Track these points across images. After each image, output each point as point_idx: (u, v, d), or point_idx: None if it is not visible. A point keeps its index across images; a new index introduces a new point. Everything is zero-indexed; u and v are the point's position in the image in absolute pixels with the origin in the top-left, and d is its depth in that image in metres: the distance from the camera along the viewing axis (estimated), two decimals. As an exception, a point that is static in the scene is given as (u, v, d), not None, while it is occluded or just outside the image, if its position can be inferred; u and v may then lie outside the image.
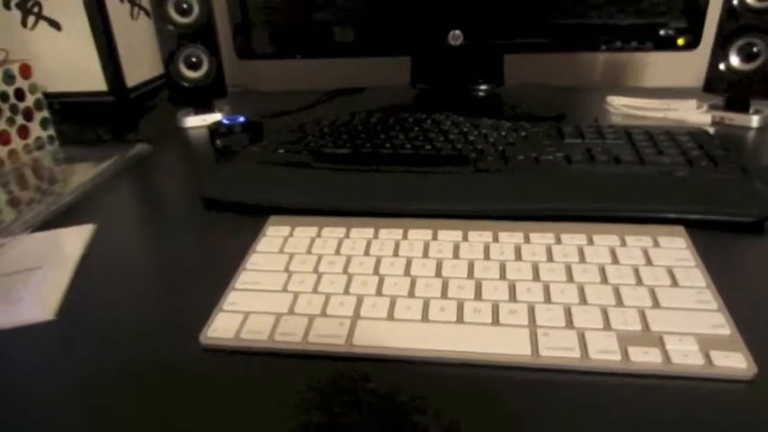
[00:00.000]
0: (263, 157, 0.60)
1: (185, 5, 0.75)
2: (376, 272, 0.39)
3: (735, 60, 0.68)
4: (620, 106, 0.72)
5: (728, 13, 0.66)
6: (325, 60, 0.90)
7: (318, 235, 0.44)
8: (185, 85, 0.77)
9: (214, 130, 0.67)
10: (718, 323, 0.34)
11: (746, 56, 0.67)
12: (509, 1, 0.71)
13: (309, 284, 0.38)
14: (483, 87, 0.81)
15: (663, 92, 0.79)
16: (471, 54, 0.76)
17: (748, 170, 0.52)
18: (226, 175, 0.57)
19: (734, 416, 0.29)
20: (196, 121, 0.78)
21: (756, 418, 0.29)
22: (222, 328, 0.35)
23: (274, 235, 0.44)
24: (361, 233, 0.44)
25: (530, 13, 0.71)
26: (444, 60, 0.79)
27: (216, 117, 0.77)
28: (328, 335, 0.34)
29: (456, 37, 0.73)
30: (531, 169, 0.54)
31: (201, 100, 0.79)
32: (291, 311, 0.36)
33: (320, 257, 0.41)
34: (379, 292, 0.37)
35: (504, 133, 0.61)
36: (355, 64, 0.89)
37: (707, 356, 0.31)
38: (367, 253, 0.41)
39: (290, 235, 0.44)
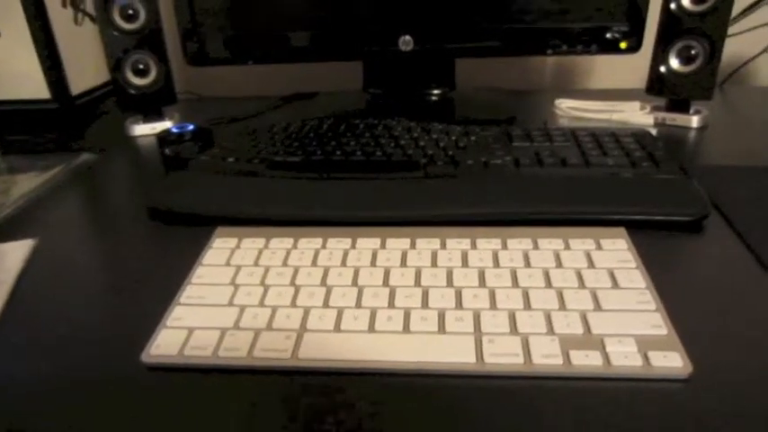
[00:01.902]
0: (212, 165, 0.59)
1: (131, 11, 0.73)
2: (323, 283, 0.39)
3: (674, 63, 0.70)
4: (568, 109, 0.74)
5: (667, 16, 0.68)
6: (280, 65, 0.89)
7: (266, 246, 0.43)
8: (133, 92, 0.75)
9: (163, 138, 0.66)
10: (657, 323, 0.35)
11: (685, 58, 0.69)
12: (458, 7, 0.71)
13: (256, 298, 0.38)
14: (435, 91, 0.81)
15: (611, 93, 0.81)
16: (422, 59, 0.77)
17: (688, 170, 0.53)
18: (173, 185, 0.56)
19: (671, 415, 0.30)
20: (145, 129, 0.77)
21: (693, 417, 0.30)
22: (165, 344, 0.34)
23: (221, 247, 0.44)
24: (309, 243, 0.43)
25: (479, 19, 0.72)
26: (396, 65, 0.80)
27: (165, 125, 0.76)
28: (274, 349, 0.34)
29: (406, 42, 0.73)
30: (481, 174, 0.54)
31: (150, 107, 0.77)
32: (237, 326, 0.36)
33: (267, 269, 0.41)
34: (326, 304, 0.37)
35: (454, 138, 0.62)
36: (310, 68, 0.88)
37: (645, 357, 0.32)
38: (315, 263, 0.41)
39: (238, 246, 0.44)
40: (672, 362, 0.32)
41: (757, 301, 0.38)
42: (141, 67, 0.75)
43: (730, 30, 0.75)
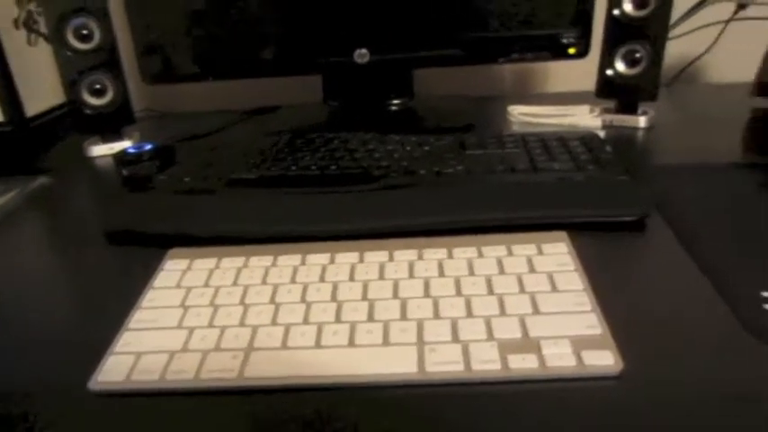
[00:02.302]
0: (170, 185, 0.60)
1: (85, 31, 0.73)
2: (272, 301, 0.40)
3: (620, 66, 0.72)
4: (520, 115, 0.76)
5: (611, 22, 0.71)
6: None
7: (217, 266, 0.44)
8: (89, 112, 0.75)
9: (120, 158, 0.66)
10: (592, 323, 0.36)
11: (630, 61, 0.72)
12: (411, 18, 0.73)
13: (205, 319, 0.39)
14: (395, 102, 0.82)
15: (567, 97, 0.83)
16: (380, 70, 0.78)
17: (634, 170, 0.55)
18: (129, 207, 0.56)
19: (604, 411, 0.31)
20: (103, 150, 0.77)
21: (624, 412, 0.31)
22: (113, 371, 0.35)
23: (173, 269, 0.44)
24: (260, 261, 0.44)
25: (432, 29, 0.74)
26: (354, 77, 0.81)
27: (124, 145, 0.76)
28: (220, 369, 0.34)
29: (362, 55, 0.75)
30: (434, 183, 0.56)
31: (108, 128, 0.77)
32: (185, 348, 0.36)
33: (218, 289, 0.41)
34: (274, 321, 0.38)
35: (409, 148, 0.63)
36: (274, 81, 0.89)
37: (579, 357, 0.34)
38: (265, 282, 0.42)
39: (189, 268, 0.44)
40: (604, 360, 0.33)
41: (690, 299, 0.39)
42: (98, 87, 0.75)
43: (676, 31, 0.78)
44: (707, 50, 0.86)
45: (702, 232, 0.47)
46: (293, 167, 0.60)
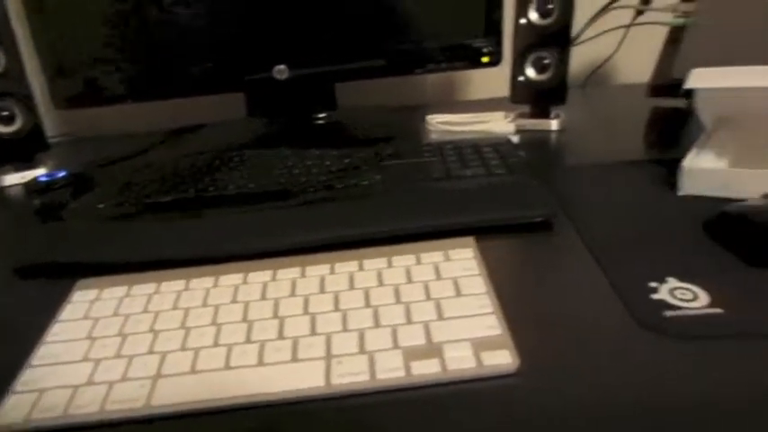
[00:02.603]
0: (84, 213, 0.58)
1: (-10, 58, 0.71)
2: (183, 325, 0.40)
3: (531, 72, 0.75)
4: (438, 123, 0.78)
5: (519, 31, 0.74)
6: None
7: (128, 294, 0.44)
8: (-3, 142, 0.73)
9: (31, 187, 0.65)
10: (492, 325, 0.38)
11: (540, 67, 0.75)
12: (328, 33, 0.74)
13: (112, 349, 0.38)
14: (319, 115, 0.83)
15: (487, 104, 0.85)
16: (300, 85, 0.79)
17: (543, 172, 0.58)
18: (40, 238, 0.55)
19: (502, 408, 0.33)
20: (15, 179, 0.74)
21: (522, 407, 0.33)
22: (12, 411, 0.34)
23: (80, 300, 0.44)
24: (172, 286, 0.44)
25: (349, 43, 0.75)
26: (276, 93, 0.81)
27: (37, 173, 0.74)
28: (126, 399, 0.34)
29: (281, 71, 0.75)
30: (351, 196, 0.56)
31: (19, 156, 0.75)
32: (90, 381, 0.36)
33: (127, 318, 0.41)
34: (183, 347, 0.38)
35: (328, 162, 0.64)
36: (200, 99, 0.88)
37: (478, 358, 0.35)
38: (176, 306, 0.42)
39: (98, 298, 0.44)
40: (501, 359, 0.35)
41: (587, 294, 0.42)
42: (6, 114, 0.73)
43: (585, 35, 0.82)
44: (613, 54, 0.90)
45: (603, 229, 0.50)
46: (211, 188, 0.60)
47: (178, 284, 0.44)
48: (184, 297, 0.43)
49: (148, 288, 0.44)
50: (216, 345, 0.38)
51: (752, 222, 0.45)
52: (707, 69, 0.54)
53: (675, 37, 0.68)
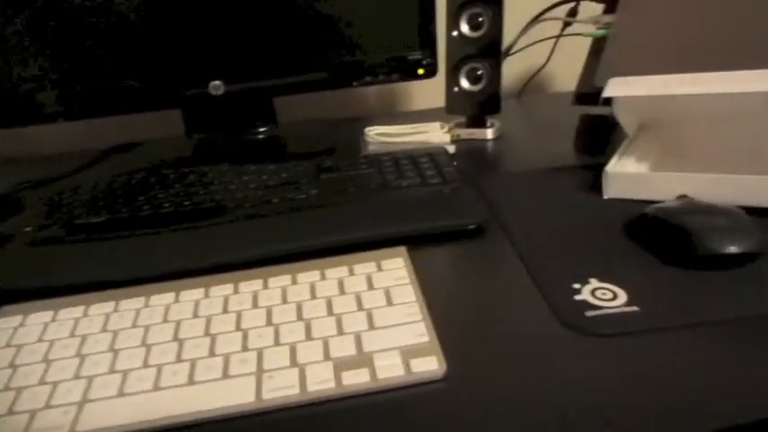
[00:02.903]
0: (9, 236, 0.57)
1: None
2: (111, 348, 0.39)
3: (465, 83, 0.77)
4: (376, 135, 0.79)
5: (452, 43, 0.76)
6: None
7: (54, 318, 0.43)
8: None
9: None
10: (420, 332, 0.38)
11: (473, 78, 0.77)
12: (264, 48, 0.74)
13: (36, 376, 0.37)
14: (260, 130, 0.83)
15: (428, 114, 0.87)
16: (238, 100, 0.78)
17: (478, 180, 0.59)
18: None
19: (430, 413, 0.34)
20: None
21: (449, 411, 0.34)
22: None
23: (3, 327, 0.42)
24: (101, 309, 0.43)
25: (284, 58, 0.75)
26: (213, 109, 0.81)
27: (-37, 197, 0.71)
28: (49, 428, 0.33)
29: (216, 87, 0.75)
30: (287, 210, 0.57)
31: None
32: (11, 411, 0.35)
33: (53, 343, 0.40)
34: (111, 369, 0.37)
35: (266, 177, 0.64)
36: (136, 116, 0.87)
37: (407, 365, 0.36)
38: (105, 329, 0.41)
39: (22, 324, 0.42)
40: (429, 366, 0.36)
41: (514, 297, 0.43)
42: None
43: (518, 45, 0.85)
44: (545, 64, 0.93)
45: (532, 234, 0.52)
46: (145, 207, 0.59)
47: (107, 307, 0.43)
48: (113, 319, 0.42)
49: (76, 312, 0.43)
50: (145, 366, 0.38)
51: (667, 223, 0.47)
52: (623, 78, 0.56)
53: (598, 47, 0.71)
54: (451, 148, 0.73)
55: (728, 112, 0.55)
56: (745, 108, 0.53)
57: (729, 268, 0.44)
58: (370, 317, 0.40)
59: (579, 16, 0.80)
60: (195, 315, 0.42)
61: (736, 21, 0.55)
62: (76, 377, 0.37)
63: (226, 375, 0.36)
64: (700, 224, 0.44)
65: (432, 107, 0.96)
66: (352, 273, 0.45)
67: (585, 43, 0.76)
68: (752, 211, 0.47)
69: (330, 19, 0.75)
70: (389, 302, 0.41)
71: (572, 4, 0.78)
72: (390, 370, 0.36)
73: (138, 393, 0.36)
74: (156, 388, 0.36)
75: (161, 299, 0.44)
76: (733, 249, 0.43)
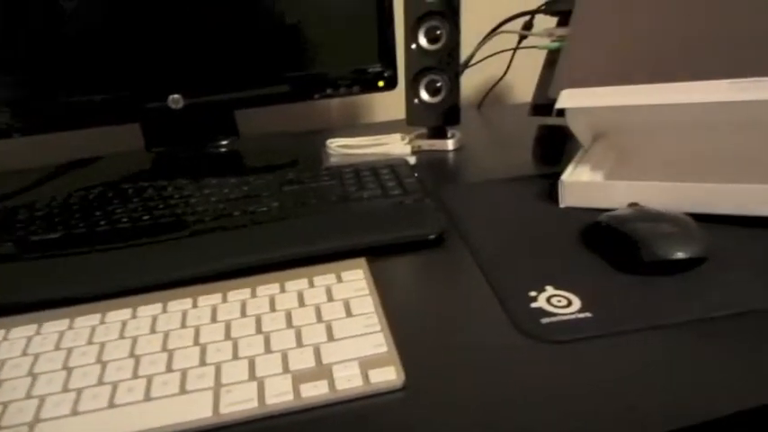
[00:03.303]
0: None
1: None
2: (66, 366, 0.39)
3: (425, 95, 0.78)
4: (338, 147, 0.79)
5: (410, 56, 0.77)
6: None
7: (5, 338, 0.42)
8: None
9: None
10: (379, 343, 0.39)
11: (433, 90, 0.78)
12: (223, 61, 0.74)
13: (-16, 397, 0.36)
14: (220, 143, 0.83)
15: (390, 126, 0.88)
16: (198, 113, 0.78)
17: (438, 190, 0.60)
18: None
19: (389, 424, 0.34)
20: None
21: (409, 421, 0.34)
22: None
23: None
24: (55, 326, 0.42)
25: (244, 71, 0.75)
26: (173, 122, 0.80)
27: None
28: (-2, 449, 0.33)
29: (175, 101, 0.74)
30: (247, 224, 0.56)
31: None
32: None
33: (3, 363, 0.39)
34: (65, 388, 0.37)
35: (227, 190, 0.63)
36: (95, 131, 0.85)
37: (366, 376, 0.36)
38: (58, 347, 0.40)
39: (-33, 346, 0.41)
40: (387, 376, 0.36)
41: (473, 306, 0.44)
42: None
43: (477, 57, 0.86)
44: (503, 76, 0.96)
45: (491, 243, 0.53)
46: (102, 222, 0.58)
47: (61, 324, 0.43)
48: (68, 337, 0.41)
49: (28, 330, 0.42)
50: (100, 383, 0.37)
51: (618, 230, 0.48)
52: (575, 90, 0.58)
53: (553, 59, 0.73)
54: (412, 160, 0.74)
55: (678, 122, 0.57)
56: (694, 118, 0.56)
57: (678, 273, 0.45)
58: (329, 328, 0.40)
59: (534, 29, 0.82)
60: (153, 330, 0.41)
61: (685, 33, 0.57)
62: (28, 396, 0.36)
63: (183, 391, 0.36)
64: (647, 231, 0.46)
65: (393, 119, 0.97)
66: (311, 285, 0.45)
67: (542, 55, 0.77)
68: (701, 218, 0.49)
69: (291, 32, 0.75)
70: (349, 314, 0.42)
71: (527, 18, 0.80)
72: (349, 381, 0.36)
73: (93, 411, 0.35)
74: (112, 405, 0.35)
75: (117, 315, 0.43)
76: (680, 255, 0.45)
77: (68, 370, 0.38)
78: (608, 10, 0.62)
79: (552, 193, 0.60)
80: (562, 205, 0.59)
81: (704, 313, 0.41)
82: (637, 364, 0.37)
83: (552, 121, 0.74)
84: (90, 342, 0.41)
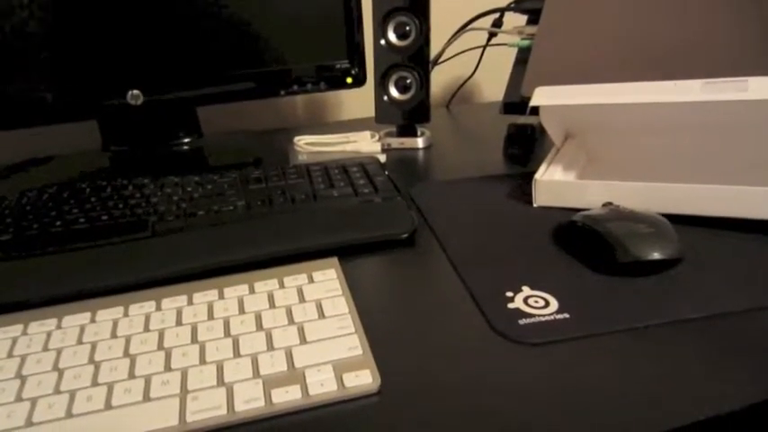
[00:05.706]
0: None
1: None
2: (18, 374, 0.36)
3: (394, 92, 0.77)
4: (306, 145, 0.77)
5: (380, 52, 0.76)
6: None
7: (-48, 346, 0.39)
8: None
9: None
10: (354, 345, 0.37)
11: (402, 87, 0.77)
12: (185, 56, 0.71)
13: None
14: (184, 141, 0.80)
15: (359, 123, 0.86)
16: (159, 110, 0.75)
17: (409, 189, 0.59)
18: None
19: (366, 429, 0.32)
20: None
21: (385, 426, 0.33)
22: None
23: None
24: (5, 333, 0.40)
25: (208, 66, 0.73)
26: (132, 119, 0.77)
27: None
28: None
29: (135, 96, 0.71)
30: (212, 223, 0.54)
31: None
32: None
33: (-50, 373, 0.36)
34: (18, 397, 0.34)
35: (190, 189, 0.61)
36: (49, 129, 0.81)
37: (341, 380, 0.35)
38: (11, 354, 0.38)
39: None
40: (363, 380, 0.35)
41: (448, 307, 0.43)
42: None
43: (446, 54, 0.86)
44: (472, 74, 0.95)
45: (465, 243, 0.52)
46: (57, 223, 0.55)
47: (14, 330, 0.40)
48: (21, 343, 0.39)
49: (-23, 338, 0.39)
50: (57, 392, 0.35)
51: (593, 231, 0.48)
52: (550, 88, 0.58)
53: (523, 57, 0.73)
54: (382, 158, 0.73)
55: (650, 122, 0.57)
56: (666, 118, 0.56)
57: (653, 274, 0.45)
58: (301, 331, 0.39)
59: (504, 27, 0.82)
60: (113, 335, 0.39)
61: (655, 32, 0.58)
62: (-23, 410, 0.34)
63: (146, 398, 0.34)
64: (622, 232, 0.46)
65: (362, 117, 0.95)
66: (282, 285, 0.44)
67: (511, 53, 0.77)
68: (675, 219, 0.49)
69: (256, 27, 0.73)
70: (321, 315, 0.40)
71: (497, 15, 0.80)
72: (323, 386, 0.35)
73: (49, 422, 0.33)
74: (69, 415, 0.33)
75: (75, 319, 0.41)
76: (655, 256, 0.45)
77: (22, 379, 0.36)
78: (579, 8, 0.62)
79: (525, 192, 0.60)
80: (536, 204, 0.58)
81: (680, 315, 0.40)
82: (614, 368, 0.36)
83: (523, 119, 0.74)
84: (45, 349, 0.38)
